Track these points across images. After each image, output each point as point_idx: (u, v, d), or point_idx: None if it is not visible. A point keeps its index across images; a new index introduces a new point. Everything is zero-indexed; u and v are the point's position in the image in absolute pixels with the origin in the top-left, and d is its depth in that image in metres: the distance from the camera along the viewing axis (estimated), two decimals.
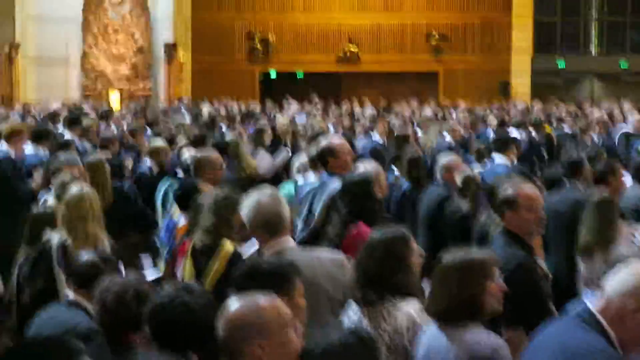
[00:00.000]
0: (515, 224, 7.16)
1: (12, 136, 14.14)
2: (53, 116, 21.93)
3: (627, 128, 21.34)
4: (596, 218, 8.97)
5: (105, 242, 8.19)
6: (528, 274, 6.81)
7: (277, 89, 37.89)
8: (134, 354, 4.70)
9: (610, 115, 25.54)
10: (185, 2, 38.39)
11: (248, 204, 6.95)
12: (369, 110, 27.44)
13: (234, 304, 4.49)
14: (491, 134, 20.12)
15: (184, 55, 37.93)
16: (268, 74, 39.58)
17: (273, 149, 17.32)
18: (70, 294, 6.54)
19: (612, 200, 9.33)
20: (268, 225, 6.85)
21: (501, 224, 8.46)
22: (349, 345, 4.01)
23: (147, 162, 13.69)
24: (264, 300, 4.55)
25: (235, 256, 7.63)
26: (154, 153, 13.79)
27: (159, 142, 14.50)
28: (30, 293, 8.29)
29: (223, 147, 13.91)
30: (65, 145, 14.03)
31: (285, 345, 4.38)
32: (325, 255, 6.94)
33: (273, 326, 4.40)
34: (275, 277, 5.26)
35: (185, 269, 8.01)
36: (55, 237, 8.30)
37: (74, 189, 8.59)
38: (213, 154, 11.80)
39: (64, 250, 8.13)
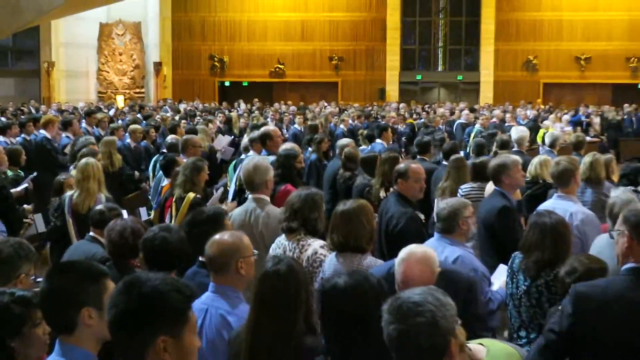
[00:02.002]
0: (405, 189, 7.18)
1: (49, 123, 14.22)
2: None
3: (462, 120, 21.56)
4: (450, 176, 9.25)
5: (103, 197, 8.11)
6: (415, 223, 6.92)
7: (229, 93, 37.77)
8: (132, 272, 4.72)
9: (451, 111, 25.82)
10: (168, 34, 38.24)
11: (241, 168, 7.34)
12: (291, 108, 27.43)
13: (222, 235, 4.62)
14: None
15: (166, 70, 37.70)
16: (224, 83, 39.24)
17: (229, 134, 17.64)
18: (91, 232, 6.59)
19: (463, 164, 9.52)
20: (249, 183, 7.05)
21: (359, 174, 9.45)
22: (278, 270, 4.02)
23: (127, 139, 13.96)
24: (240, 233, 4.76)
25: (195, 203, 7.71)
26: (131, 134, 14.16)
27: (137, 126, 14.77)
28: (50, 229, 8.70)
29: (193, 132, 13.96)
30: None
31: (253, 264, 4.52)
32: (269, 209, 6.91)
33: (248, 249, 4.56)
34: (210, 219, 5.44)
35: (172, 215, 8.05)
36: (68, 193, 8.39)
37: (84, 159, 8.58)
38: (195, 136, 11.80)
39: (71, 202, 8.18)
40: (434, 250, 5.83)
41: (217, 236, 4.59)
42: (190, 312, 2.73)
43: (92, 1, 27.24)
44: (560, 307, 3.96)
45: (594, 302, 3.65)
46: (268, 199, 6.99)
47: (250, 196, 7.02)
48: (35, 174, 11.16)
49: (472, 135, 16.93)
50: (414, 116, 25.32)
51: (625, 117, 28.83)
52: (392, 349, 3.03)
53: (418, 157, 11.31)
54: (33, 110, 25.29)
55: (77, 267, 3.52)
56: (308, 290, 3.99)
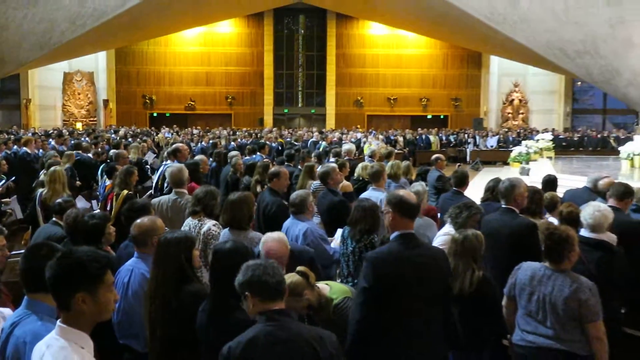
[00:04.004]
0: (276, 185, 7.17)
1: (28, 142, 13.83)
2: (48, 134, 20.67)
3: (314, 139, 21.70)
4: (303, 176, 9.10)
5: (65, 195, 7.70)
6: (283, 208, 6.72)
7: (157, 121, 36.59)
8: (82, 247, 4.49)
9: (308, 133, 25.98)
10: (113, 80, 36.71)
11: (168, 172, 7.07)
12: (196, 131, 26.93)
13: (142, 219, 4.41)
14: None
15: (112, 105, 36.34)
16: (153, 114, 38.06)
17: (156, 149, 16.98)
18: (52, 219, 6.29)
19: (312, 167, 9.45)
20: (173, 182, 6.82)
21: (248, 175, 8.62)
22: (161, 239, 3.99)
23: (88, 154, 13.17)
24: (155, 218, 4.56)
25: (127, 198, 7.35)
26: (77, 146, 13.46)
27: (85, 143, 14.24)
28: (26, 215, 8.34)
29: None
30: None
31: None
32: (185, 200, 6.67)
33: (161, 229, 4.37)
34: (141, 209, 5.15)
35: (113, 206, 7.71)
36: (40, 190, 8.03)
37: (52, 167, 8.21)
38: (124, 151, 11.42)
39: (41, 198, 7.84)
40: (292, 227, 5.90)
41: (138, 220, 4.40)
42: (106, 276, 2.57)
43: (58, 56, 26.30)
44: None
45: (384, 262, 3.68)
46: (186, 192, 6.76)
47: (174, 190, 6.81)
48: (14, 177, 10.75)
49: (321, 149, 17.06)
50: (283, 136, 25.33)
51: (418, 137, 30.05)
52: (247, 289, 3.07)
53: (285, 163, 11.28)
54: (15, 133, 23.94)
55: (50, 246, 3.37)
56: (188, 251, 3.91)
